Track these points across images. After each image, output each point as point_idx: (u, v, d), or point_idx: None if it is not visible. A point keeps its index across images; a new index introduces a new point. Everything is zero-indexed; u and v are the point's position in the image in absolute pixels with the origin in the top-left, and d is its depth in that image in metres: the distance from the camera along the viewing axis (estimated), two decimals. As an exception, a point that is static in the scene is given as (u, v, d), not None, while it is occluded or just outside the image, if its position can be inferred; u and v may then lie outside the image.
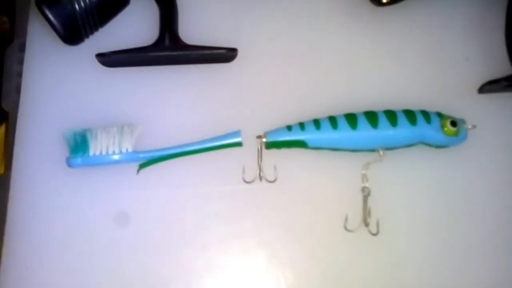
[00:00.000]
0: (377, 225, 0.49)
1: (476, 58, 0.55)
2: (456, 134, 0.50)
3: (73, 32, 0.52)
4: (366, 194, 0.50)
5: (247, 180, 0.51)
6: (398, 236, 0.50)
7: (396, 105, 0.51)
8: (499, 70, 0.53)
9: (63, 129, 0.52)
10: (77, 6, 0.50)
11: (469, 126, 0.51)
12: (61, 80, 0.55)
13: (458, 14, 0.57)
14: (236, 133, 0.51)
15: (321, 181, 0.51)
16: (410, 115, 0.50)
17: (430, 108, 0.51)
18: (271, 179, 0.51)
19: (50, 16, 0.50)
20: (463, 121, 0.51)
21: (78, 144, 0.50)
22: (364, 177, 0.50)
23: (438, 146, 0.51)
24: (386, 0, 0.54)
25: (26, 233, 0.50)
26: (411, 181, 0.51)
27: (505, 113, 0.53)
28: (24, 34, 0.57)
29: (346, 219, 0.49)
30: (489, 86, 0.52)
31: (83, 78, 0.55)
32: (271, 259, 0.49)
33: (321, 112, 0.51)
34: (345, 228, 0.49)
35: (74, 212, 0.51)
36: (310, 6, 0.57)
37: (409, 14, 0.56)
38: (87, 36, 0.54)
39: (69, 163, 0.50)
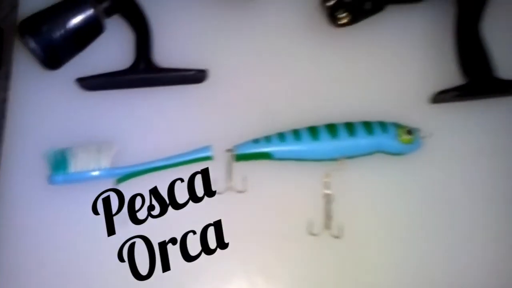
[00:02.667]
0: (340, 228, 0.52)
1: (429, 70, 0.58)
2: (411, 142, 0.53)
3: (52, 57, 0.56)
4: (328, 200, 0.53)
5: (218, 191, 0.54)
6: (361, 238, 0.53)
7: (356, 117, 0.55)
8: (450, 81, 0.56)
9: (47, 149, 0.55)
10: (55, 34, 0.55)
11: (424, 135, 0.54)
12: (44, 103, 0.59)
13: (410, 29, 0.60)
14: (207, 148, 0.54)
15: (287, 190, 0.54)
16: (367, 125, 0.54)
17: (388, 119, 0.55)
18: (240, 189, 0.54)
19: (31, 43, 0.54)
20: (417, 130, 0.54)
21: (59, 163, 0.54)
22: (327, 185, 0.54)
23: (395, 154, 0.54)
24: (342, 22, 0.58)
25: (10, 249, 0.54)
26: (371, 187, 0.54)
27: (457, 121, 0.56)
28: (10, 62, 0.61)
29: (310, 224, 0.53)
30: (440, 96, 0.56)
31: (64, 101, 0.59)
32: (241, 264, 0.52)
33: (287, 126, 0.55)
34: (310, 233, 0.52)
35: (57, 227, 0.54)
36: (276, 28, 0.61)
37: (366, 32, 0.60)
38: (66, 61, 0.58)
39: (51, 181, 0.54)
